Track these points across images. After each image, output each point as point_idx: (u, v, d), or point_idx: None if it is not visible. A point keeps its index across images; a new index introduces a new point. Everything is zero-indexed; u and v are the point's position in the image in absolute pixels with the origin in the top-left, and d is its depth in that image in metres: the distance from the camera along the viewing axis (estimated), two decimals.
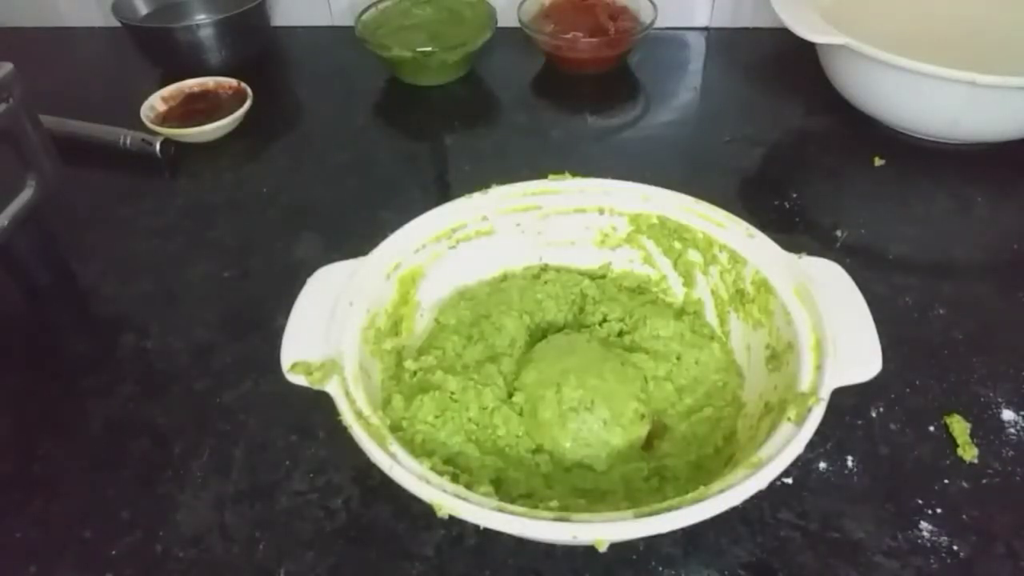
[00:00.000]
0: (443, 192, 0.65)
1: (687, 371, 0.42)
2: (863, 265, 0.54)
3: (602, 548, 0.30)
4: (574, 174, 0.46)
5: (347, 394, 0.35)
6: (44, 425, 0.47)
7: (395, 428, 0.38)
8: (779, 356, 0.38)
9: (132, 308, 0.54)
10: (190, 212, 0.63)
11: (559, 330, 0.45)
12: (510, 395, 0.41)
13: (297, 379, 0.36)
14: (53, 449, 0.46)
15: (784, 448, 0.32)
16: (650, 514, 0.29)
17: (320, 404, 0.46)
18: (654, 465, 0.39)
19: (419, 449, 0.37)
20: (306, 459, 0.44)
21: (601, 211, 0.46)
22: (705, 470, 0.38)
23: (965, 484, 0.41)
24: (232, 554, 0.40)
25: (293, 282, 0.55)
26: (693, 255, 0.45)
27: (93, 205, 0.64)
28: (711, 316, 0.46)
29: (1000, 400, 0.45)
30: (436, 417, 0.39)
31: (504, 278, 0.48)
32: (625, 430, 0.39)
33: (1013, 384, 0.46)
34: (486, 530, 0.40)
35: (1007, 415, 0.44)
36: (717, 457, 0.39)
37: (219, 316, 0.53)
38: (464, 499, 0.31)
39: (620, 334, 0.45)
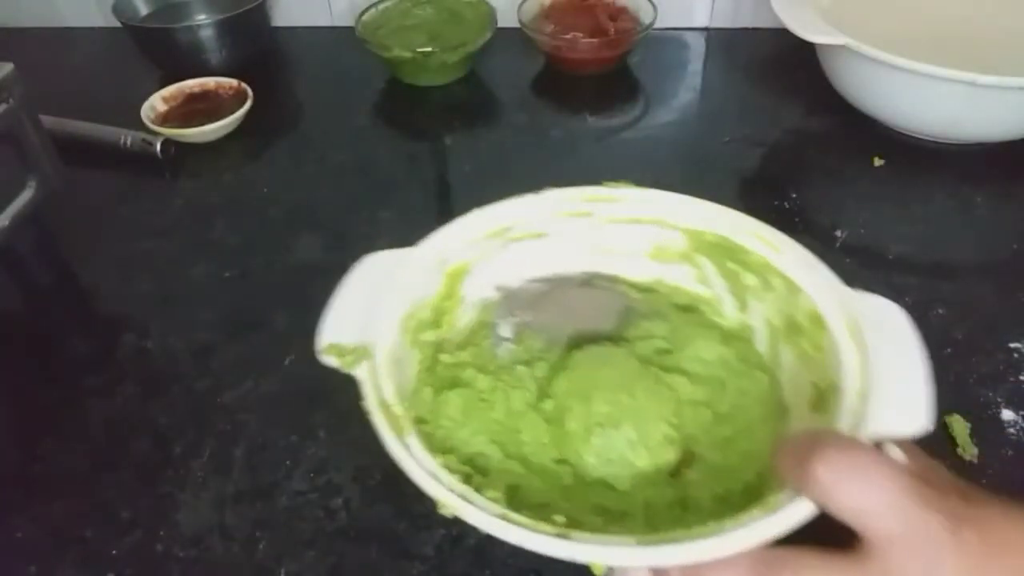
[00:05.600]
0: (443, 192, 0.65)
1: (728, 399, 0.40)
2: (863, 265, 0.54)
3: (599, 573, 0.29)
4: (632, 184, 0.44)
5: (374, 380, 0.35)
6: (45, 424, 0.47)
7: (420, 420, 0.37)
8: (824, 397, 0.36)
9: (133, 308, 0.54)
10: (190, 212, 0.63)
11: (600, 340, 0.44)
12: (540, 401, 0.40)
13: (329, 360, 0.36)
14: (54, 448, 0.46)
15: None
16: (654, 543, 0.28)
17: (321, 404, 0.47)
18: (679, 493, 0.37)
19: (439, 444, 0.37)
20: (306, 459, 0.44)
21: (658, 224, 0.45)
22: (731, 505, 0.36)
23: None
24: (232, 553, 0.40)
25: (294, 282, 0.56)
26: (749, 279, 0.43)
27: (94, 205, 0.64)
28: (762, 345, 0.43)
29: (1000, 400, 0.45)
30: (461, 414, 0.38)
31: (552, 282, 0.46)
32: (651, 453, 0.37)
33: (1013, 384, 0.46)
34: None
35: (1007, 415, 0.44)
36: (746, 494, 0.36)
37: (220, 316, 0.53)
38: (469, 501, 0.30)
39: (661, 352, 0.43)
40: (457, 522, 0.40)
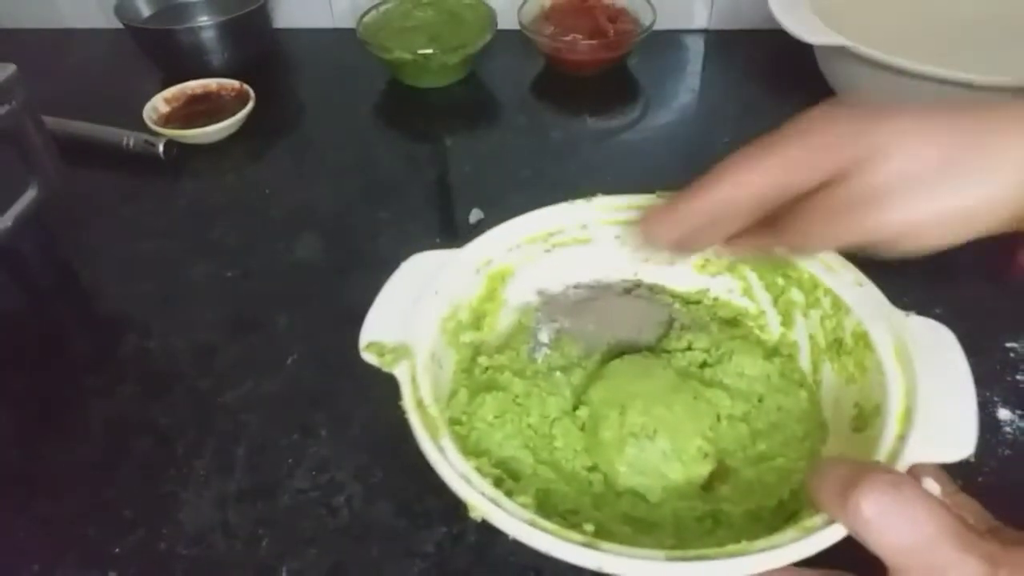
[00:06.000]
0: (444, 193, 0.65)
1: (767, 415, 0.40)
2: (862, 265, 0.54)
3: None
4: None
5: (413, 380, 0.35)
6: (47, 424, 0.47)
7: (454, 422, 0.37)
8: (866, 418, 0.36)
9: (134, 308, 0.55)
10: (192, 213, 0.63)
11: (639, 350, 0.43)
12: (575, 408, 0.40)
13: (370, 358, 0.36)
14: (56, 448, 0.46)
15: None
16: (682, 559, 0.28)
17: (322, 403, 0.47)
18: (710, 507, 0.37)
19: (472, 447, 0.37)
20: (308, 457, 0.44)
21: None
22: (763, 522, 0.35)
23: (961, 483, 0.41)
24: (235, 552, 0.40)
25: (295, 282, 0.56)
26: (796, 295, 0.42)
27: (95, 206, 0.64)
28: (805, 362, 0.42)
29: (996, 399, 0.45)
30: (496, 417, 0.38)
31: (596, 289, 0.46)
32: (685, 466, 0.37)
33: (1009, 383, 0.46)
34: (487, 529, 0.40)
35: (1003, 414, 0.45)
36: (779, 511, 0.36)
37: (221, 316, 0.53)
38: (499, 505, 0.30)
39: (702, 365, 0.42)
40: (457, 520, 0.41)
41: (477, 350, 0.42)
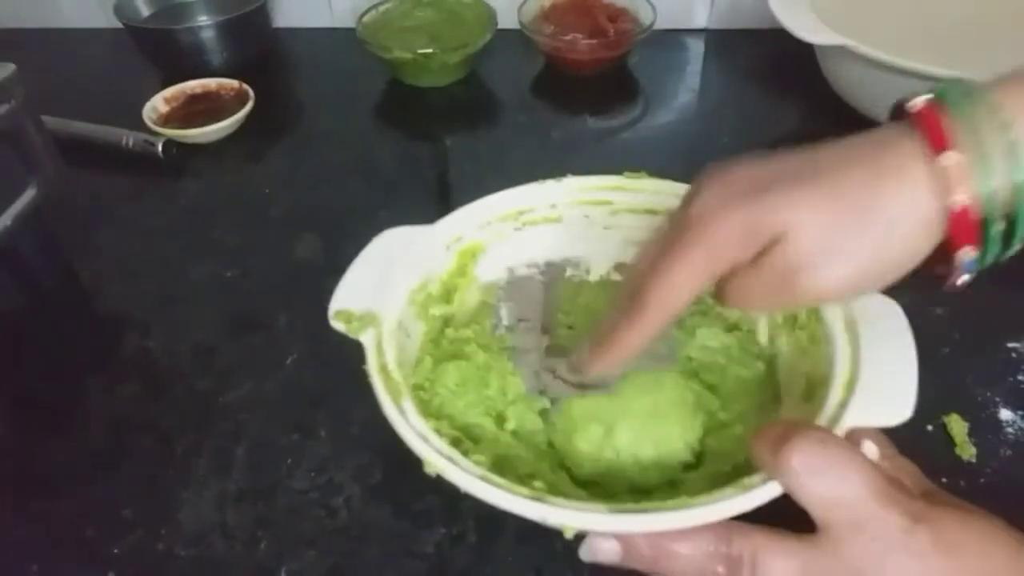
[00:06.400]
0: (444, 192, 0.65)
1: (727, 386, 0.42)
2: None
3: (568, 535, 0.30)
4: (650, 174, 0.45)
5: (378, 346, 0.36)
6: (46, 424, 0.47)
7: (418, 387, 0.38)
8: (814, 387, 0.37)
9: (134, 308, 0.55)
10: (192, 212, 0.63)
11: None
12: (542, 392, 0.42)
13: (338, 325, 0.37)
14: (55, 448, 0.46)
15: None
16: (624, 512, 0.29)
17: (322, 403, 0.47)
18: (670, 475, 0.38)
19: (435, 411, 0.38)
20: (307, 458, 0.44)
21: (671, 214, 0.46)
22: (718, 486, 0.37)
23: (963, 483, 0.41)
24: (234, 552, 0.40)
25: (295, 281, 0.56)
26: None
27: (95, 205, 0.64)
28: (763, 336, 0.44)
29: (998, 400, 0.45)
30: (458, 385, 0.39)
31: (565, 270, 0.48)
32: (660, 471, 0.38)
33: (1011, 384, 0.46)
34: (487, 529, 0.40)
35: (1005, 415, 0.45)
36: (732, 475, 0.37)
37: (221, 316, 0.53)
38: (454, 462, 0.31)
39: (704, 367, 0.43)
40: (457, 520, 0.40)
41: (447, 323, 0.44)
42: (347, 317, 0.37)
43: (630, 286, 0.32)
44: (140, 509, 0.42)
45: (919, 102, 0.29)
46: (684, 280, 0.30)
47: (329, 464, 0.44)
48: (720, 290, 0.31)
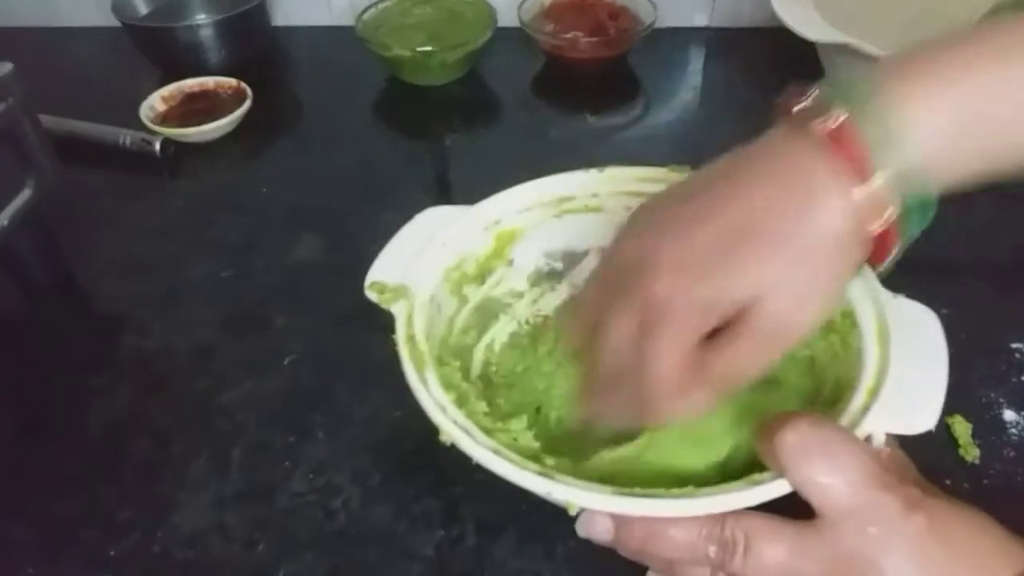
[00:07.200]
0: (444, 192, 0.65)
1: (771, 397, 0.41)
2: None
3: (572, 511, 0.31)
4: (694, 168, 0.45)
5: (408, 317, 0.37)
6: (43, 425, 0.47)
7: (442, 362, 0.39)
8: (842, 392, 0.37)
9: (132, 308, 0.54)
10: (190, 212, 0.63)
11: None
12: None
13: (372, 296, 0.38)
14: (52, 449, 0.46)
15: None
16: (629, 495, 0.30)
17: (320, 404, 0.47)
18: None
19: (453, 349, 0.41)
20: (306, 459, 0.44)
21: None
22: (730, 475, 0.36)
23: (967, 485, 0.41)
24: (231, 554, 0.40)
25: (293, 282, 0.56)
26: None
27: (93, 205, 0.63)
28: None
29: (1002, 400, 0.45)
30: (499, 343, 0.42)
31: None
32: (679, 479, 0.37)
33: (1015, 384, 0.46)
34: (486, 531, 0.40)
35: (1009, 415, 0.44)
36: (745, 470, 0.36)
37: (219, 316, 0.53)
38: (469, 434, 0.32)
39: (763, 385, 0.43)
40: (456, 521, 0.40)
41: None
42: (381, 288, 0.38)
43: (586, 341, 0.33)
44: (137, 510, 0.42)
45: (827, 123, 0.30)
46: (673, 365, 0.29)
47: (328, 465, 0.44)
48: (712, 373, 0.31)
